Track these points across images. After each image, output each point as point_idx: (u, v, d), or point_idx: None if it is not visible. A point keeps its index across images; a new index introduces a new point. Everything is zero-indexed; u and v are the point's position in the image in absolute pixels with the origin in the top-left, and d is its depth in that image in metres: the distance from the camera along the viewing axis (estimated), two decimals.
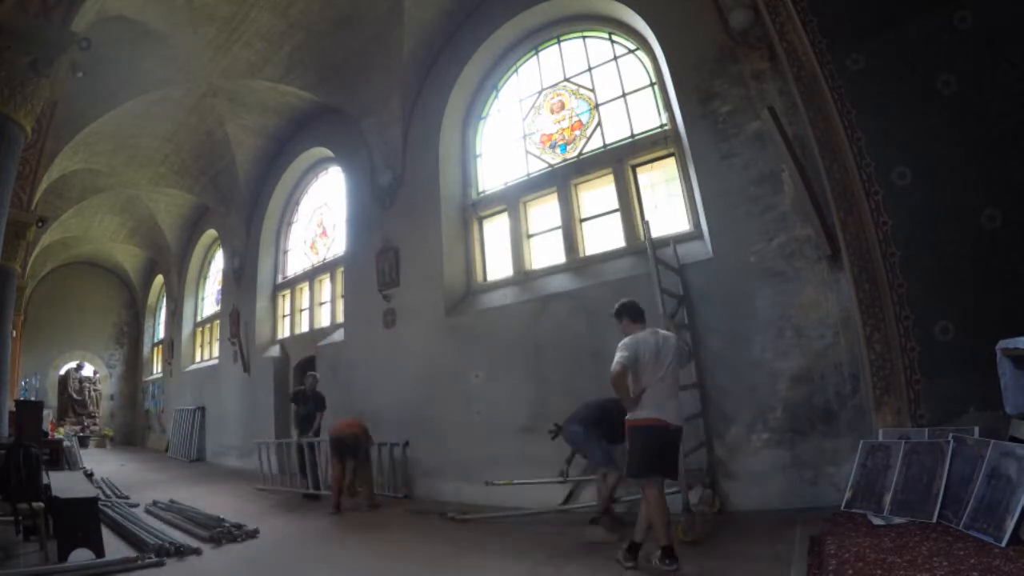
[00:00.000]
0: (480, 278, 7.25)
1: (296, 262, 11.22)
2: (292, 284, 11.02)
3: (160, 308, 18.12)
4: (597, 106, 6.64)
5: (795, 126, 4.60)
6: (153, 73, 8.43)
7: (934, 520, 2.94)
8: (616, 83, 6.51)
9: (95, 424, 17.89)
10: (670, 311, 4.60)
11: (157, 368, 17.47)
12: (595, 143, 6.56)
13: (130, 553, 4.33)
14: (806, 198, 4.38)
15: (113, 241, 15.97)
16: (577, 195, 6.59)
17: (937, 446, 3.22)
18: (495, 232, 7.32)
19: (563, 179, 6.63)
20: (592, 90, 6.76)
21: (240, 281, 11.79)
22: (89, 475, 9.08)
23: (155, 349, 18.18)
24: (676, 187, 5.83)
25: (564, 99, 7.06)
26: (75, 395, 18.03)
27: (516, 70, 7.66)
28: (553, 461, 5.08)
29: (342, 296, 9.31)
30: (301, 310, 10.75)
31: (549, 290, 6.21)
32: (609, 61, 6.62)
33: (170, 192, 12.81)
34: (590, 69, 6.83)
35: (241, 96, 9.47)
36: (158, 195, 13.16)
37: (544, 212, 6.89)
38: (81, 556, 4.10)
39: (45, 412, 12.88)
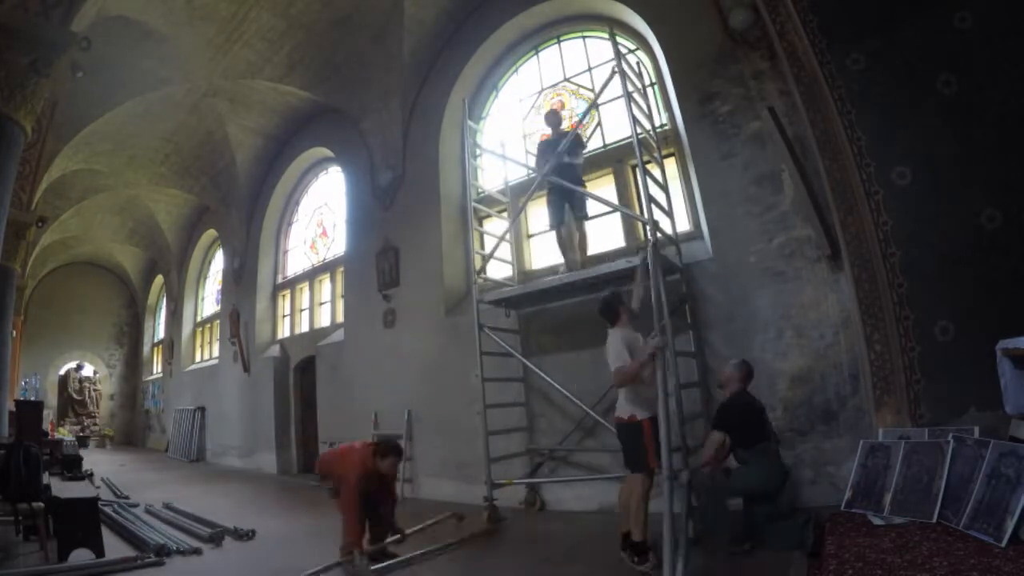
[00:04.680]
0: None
1: (296, 262, 11.22)
2: (292, 284, 11.02)
3: (160, 308, 18.12)
4: (597, 106, 6.63)
5: (795, 126, 4.60)
6: (153, 73, 8.42)
7: (934, 520, 2.95)
8: (616, 83, 6.48)
9: (95, 424, 17.89)
10: (671, 309, 4.60)
11: (157, 368, 17.47)
12: (595, 143, 6.56)
13: (130, 553, 4.33)
14: (806, 198, 4.38)
15: (113, 241, 15.97)
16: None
17: (937, 446, 3.23)
18: (495, 232, 7.30)
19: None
20: (592, 90, 6.75)
21: (240, 281, 11.79)
22: (89, 475, 9.08)
23: (155, 349, 18.18)
24: (676, 187, 5.82)
25: (564, 99, 7.06)
26: (75, 395, 18.02)
27: (516, 70, 7.66)
28: None
29: (342, 296, 9.31)
30: (301, 310, 10.75)
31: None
32: (609, 61, 6.62)
33: (170, 192, 12.81)
34: (590, 69, 6.83)
35: (241, 96, 9.47)
36: (158, 195, 13.15)
37: (544, 212, 6.87)
38: (81, 556, 4.10)
39: (45, 412, 12.89)
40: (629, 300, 4.15)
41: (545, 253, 6.76)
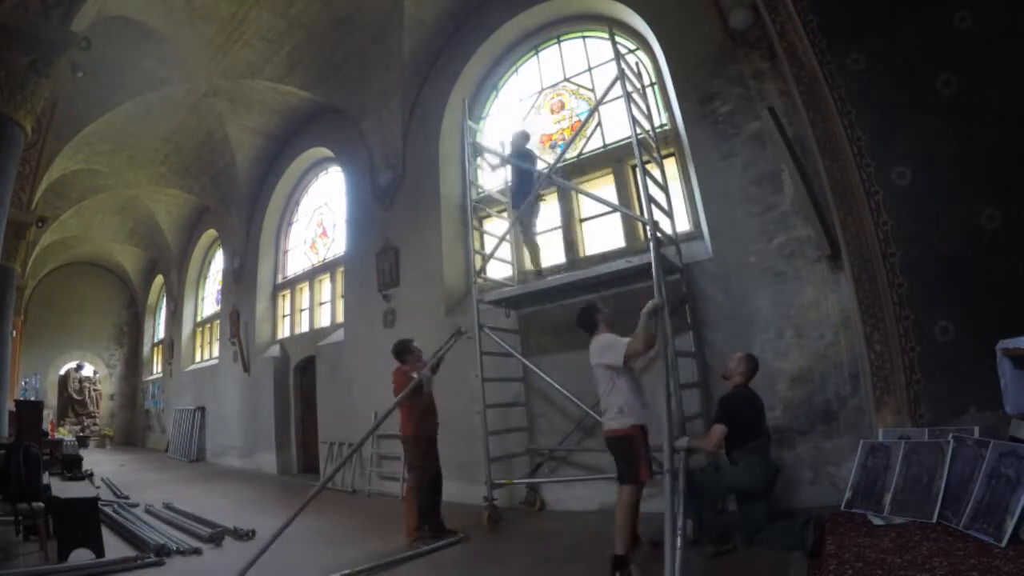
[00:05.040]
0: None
1: (296, 262, 11.22)
2: (292, 284, 11.02)
3: (160, 308, 18.12)
4: (597, 108, 6.63)
5: (795, 126, 4.60)
6: (153, 73, 8.42)
7: (934, 520, 2.95)
8: (616, 84, 6.49)
9: (95, 424, 17.90)
10: (671, 309, 4.61)
11: (157, 368, 17.47)
12: (595, 143, 6.56)
13: (130, 553, 4.33)
14: (806, 198, 4.38)
15: (113, 241, 15.97)
16: (577, 195, 6.58)
17: (937, 446, 3.23)
18: (495, 232, 7.30)
19: (563, 179, 6.62)
20: (592, 90, 6.76)
21: (240, 281, 11.79)
22: (89, 475, 9.08)
23: (155, 349, 18.18)
24: (676, 187, 5.82)
25: (564, 99, 7.06)
26: (75, 395, 18.02)
27: (516, 70, 7.66)
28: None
29: (342, 296, 9.31)
30: (301, 310, 10.75)
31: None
32: (609, 61, 6.62)
33: (170, 192, 12.81)
34: (590, 69, 6.83)
35: (241, 96, 9.47)
36: (158, 195, 13.16)
37: (544, 212, 6.88)
38: (81, 556, 4.10)
39: (45, 412, 12.90)
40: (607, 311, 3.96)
41: (545, 253, 6.75)
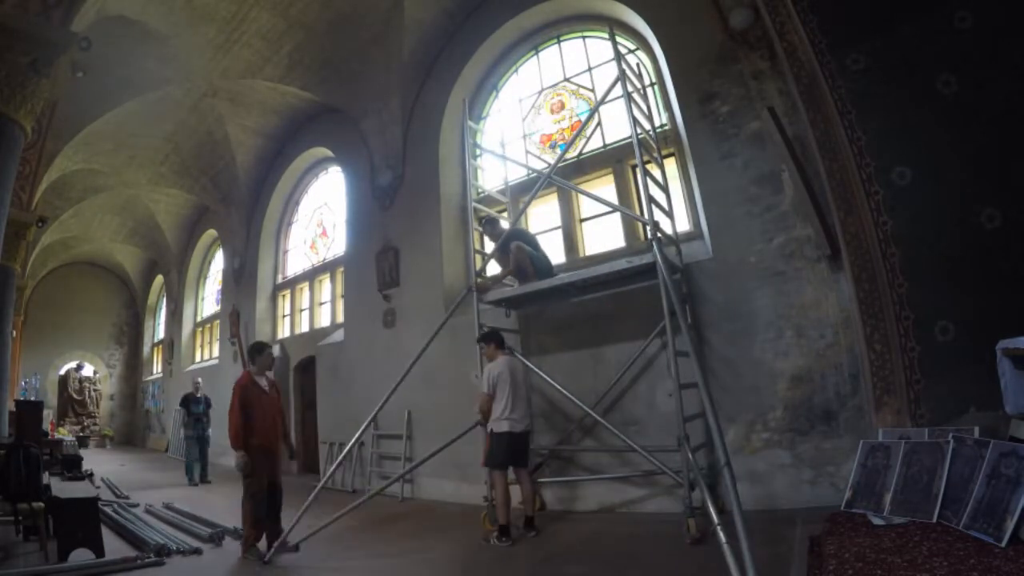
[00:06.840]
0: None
1: (296, 262, 11.22)
2: (292, 284, 11.02)
3: (160, 308, 18.13)
4: (597, 109, 6.63)
5: (795, 126, 4.60)
6: (153, 73, 8.43)
7: (934, 520, 2.94)
8: (616, 84, 6.49)
9: (95, 424, 17.90)
10: (671, 309, 4.60)
11: (157, 368, 17.47)
12: (595, 143, 6.56)
13: (130, 553, 4.34)
14: (806, 198, 4.38)
15: (113, 241, 15.98)
16: (577, 195, 6.58)
17: (937, 446, 3.22)
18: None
19: (563, 179, 6.61)
20: (592, 90, 6.76)
21: (240, 281, 11.79)
22: (89, 475, 9.07)
23: (155, 349, 18.18)
24: (676, 187, 5.82)
25: (564, 99, 7.06)
26: (75, 395, 18.02)
27: (516, 70, 7.66)
28: None
29: (342, 296, 9.32)
30: (301, 310, 10.76)
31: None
32: (609, 61, 6.62)
33: (170, 192, 12.82)
34: (590, 69, 6.83)
35: (241, 96, 9.47)
36: (158, 195, 13.16)
37: (544, 212, 6.89)
38: (81, 556, 4.10)
39: (45, 412, 12.89)
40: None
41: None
